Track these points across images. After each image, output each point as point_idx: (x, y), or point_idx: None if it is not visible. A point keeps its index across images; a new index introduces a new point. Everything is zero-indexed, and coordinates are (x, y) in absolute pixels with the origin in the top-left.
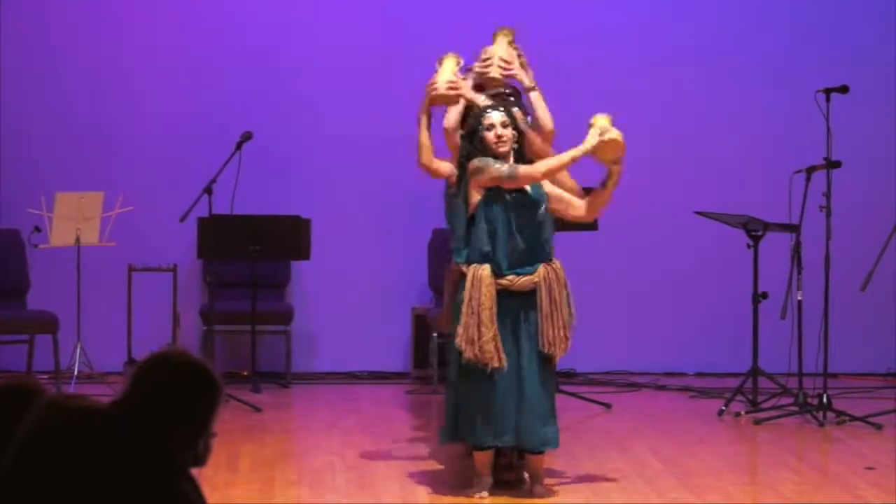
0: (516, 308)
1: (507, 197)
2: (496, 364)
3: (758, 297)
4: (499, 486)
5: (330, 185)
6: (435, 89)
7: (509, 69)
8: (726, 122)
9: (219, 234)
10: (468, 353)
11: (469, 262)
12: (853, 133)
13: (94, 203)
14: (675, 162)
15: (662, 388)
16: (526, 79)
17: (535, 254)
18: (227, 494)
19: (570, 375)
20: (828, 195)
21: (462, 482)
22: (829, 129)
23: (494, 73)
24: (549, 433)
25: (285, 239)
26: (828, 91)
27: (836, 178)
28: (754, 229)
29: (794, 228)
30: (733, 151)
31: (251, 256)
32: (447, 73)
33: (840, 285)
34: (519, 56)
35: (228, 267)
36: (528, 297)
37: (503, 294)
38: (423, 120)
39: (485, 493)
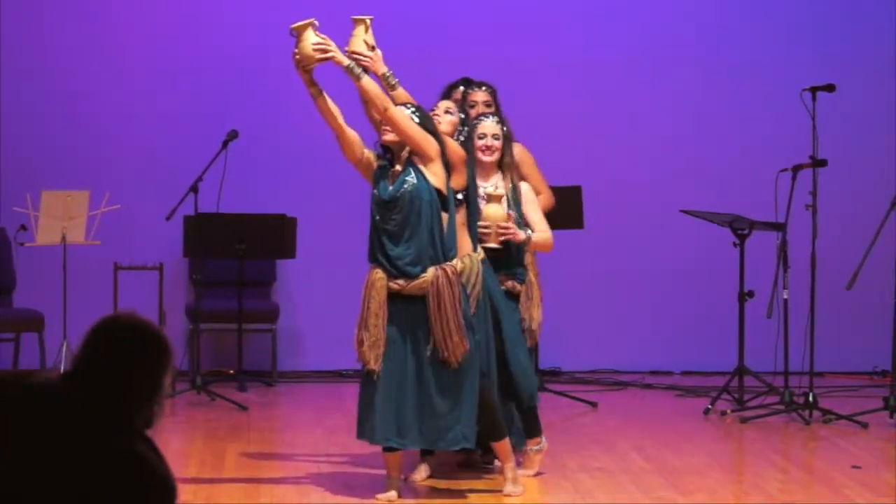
0: (411, 311)
1: (374, 191)
2: (371, 366)
3: (744, 296)
4: (481, 485)
5: (316, 184)
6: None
7: (508, 232)
8: (712, 121)
9: (205, 232)
10: (357, 354)
11: (371, 262)
12: (839, 131)
13: (80, 201)
14: (661, 160)
15: (648, 386)
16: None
17: (424, 254)
18: (213, 493)
19: (555, 374)
20: (814, 194)
21: (449, 482)
22: (815, 127)
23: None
24: (460, 432)
25: (271, 237)
26: (814, 90)
27: (822, 177)
28: (740, 228)
29: (780, 227)
30: (719, 150)
31: (237, 255)
32: (357, 43)
33: (826, 284)
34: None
35: (214, 265)
36: (421, 301)
37: (397, 297)
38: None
39: (393, 494)
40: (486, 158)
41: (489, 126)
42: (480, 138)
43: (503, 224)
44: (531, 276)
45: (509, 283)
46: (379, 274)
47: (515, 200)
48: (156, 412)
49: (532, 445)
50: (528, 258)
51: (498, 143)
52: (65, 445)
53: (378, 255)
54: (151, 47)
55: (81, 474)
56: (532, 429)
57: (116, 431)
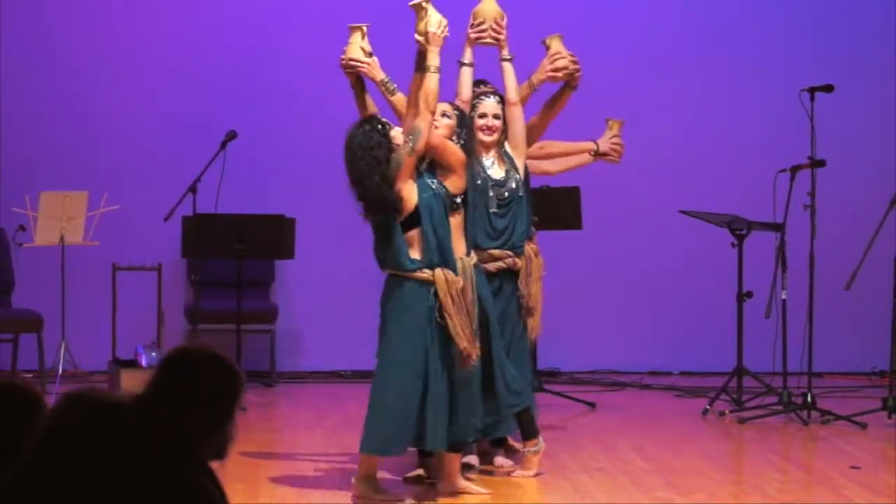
0: (433, 308)
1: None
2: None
3: (742, 296)
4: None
5: (315, 185)
6: (340, 62)
7: (501, 34)
8: (711, 122)
9: (203, 233)
10: (473, 352)
11: (428, 266)
12: (838, 132)
13: (79, 202)
14: (660, 161)
15: (647, 387)
16: (506, 48)
17: (450, 251)
18: None
19: (554, 374)
20: (812, 194)
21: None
22: (813, 128)
23: (489, 39)
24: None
25: (270, 238)
26: (812, 90)
27: (820, 177)
28: (739, 228)
29: (778, 227)
30: (718, 150)
31: (236, 255)
32: (354, 50)
33: (825, 284)
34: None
35: (213, 266)
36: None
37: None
38: (355, 91)
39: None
40: (487, 138)
41: (490, 106)
42: (481, 118)
43: (499, 21)
44: (529, 250)
45: (510, 261)
46: (451, 276)
47: (514, 166)
48: (227, 441)
49: (530, 447)
50: (531, 247)
51: (498, 123)
52: (129, 471)
53: (438, 252)
54: (151, 47)
55: (142, 501)
56: (529, 430)
57: (181, 462)
